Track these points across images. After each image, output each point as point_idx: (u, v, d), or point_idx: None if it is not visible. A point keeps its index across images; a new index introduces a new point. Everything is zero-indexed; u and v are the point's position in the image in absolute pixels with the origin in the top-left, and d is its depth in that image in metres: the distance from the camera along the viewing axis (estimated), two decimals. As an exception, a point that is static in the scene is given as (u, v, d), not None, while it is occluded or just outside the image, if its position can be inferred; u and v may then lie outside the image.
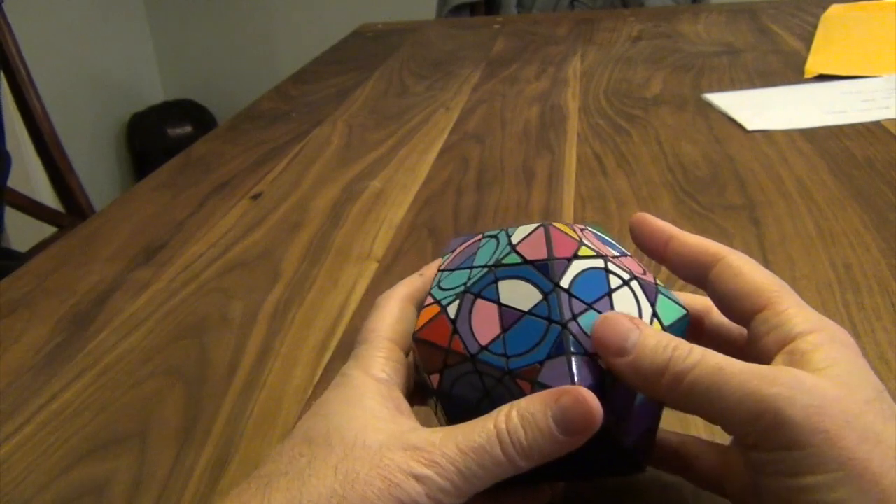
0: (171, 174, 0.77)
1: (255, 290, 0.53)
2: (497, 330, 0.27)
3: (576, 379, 0.25)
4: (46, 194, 1.50)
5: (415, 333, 0.29)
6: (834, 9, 1.17)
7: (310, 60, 1.19)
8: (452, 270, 0.30)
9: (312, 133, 0.85)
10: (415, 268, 0.34)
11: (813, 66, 0.91)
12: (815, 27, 1.09)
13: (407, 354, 0.30)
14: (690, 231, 0.30)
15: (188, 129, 2.66)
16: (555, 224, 0.29)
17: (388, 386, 0.28)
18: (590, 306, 0.26)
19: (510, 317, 0.27)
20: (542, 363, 0.26)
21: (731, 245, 0.29)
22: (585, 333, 0.26)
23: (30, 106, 1.28)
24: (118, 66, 2.65)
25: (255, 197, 0.69)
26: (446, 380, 0.28)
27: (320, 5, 2.66)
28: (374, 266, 0.55)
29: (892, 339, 0.41)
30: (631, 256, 0.30)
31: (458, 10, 1.55)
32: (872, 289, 0.46)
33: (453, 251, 0.31)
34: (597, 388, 0.25)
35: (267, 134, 0.86)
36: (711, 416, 0.25)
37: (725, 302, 0.28)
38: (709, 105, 0.82)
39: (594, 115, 0.82)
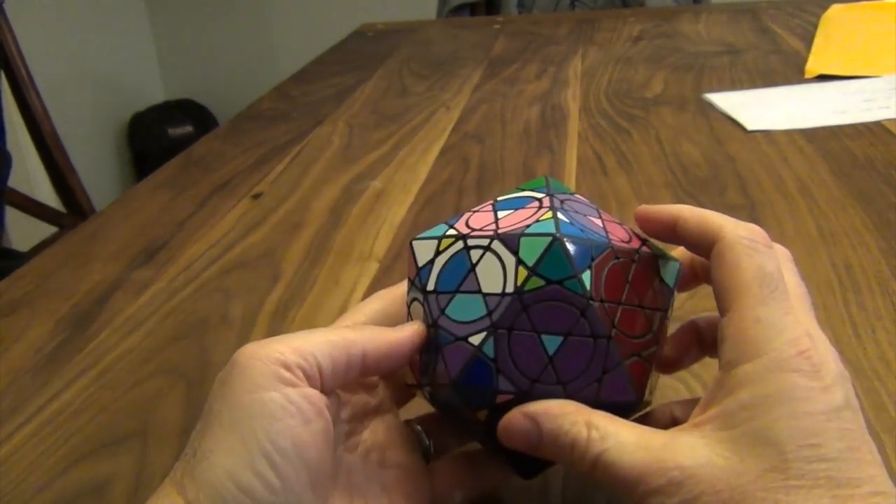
0: (172, 174, 0.77)
1: (255, 290, 0.53)
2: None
3: (448, 367, 0.28)
4: (47, 194, 1.50)
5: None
6: (834, 9, 1.17)
7: (310, 60, 1.19)
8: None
9: (313, 133, 0.85)
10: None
11: (813, 66, 0.91)
12: (815, 27, 1.09)
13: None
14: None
15: (188, 129, 2.66)
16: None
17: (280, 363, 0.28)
18: (455, 292, 0.28)
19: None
20: (434, 366, 0.29)
21: None
22: (453, 319, 0.28)
23: (30, 106, 1.28)
24: (118, 66, 2.65)
25: (256, 197, 0.69)
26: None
27: (320, 5, 2.66)
28: (374, 266, 0.55)
29: (892, 339, 0.41)
30: (575, 199, 0.31)
31: (458, 10, 1.55)
32: (873, 289, 0.46)
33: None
34: (470, 365, 0.27)
35: (267, 134, 0.86)
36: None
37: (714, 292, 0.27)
38: (709, 105, 0.82)
39: (595, 115, 0.82)
